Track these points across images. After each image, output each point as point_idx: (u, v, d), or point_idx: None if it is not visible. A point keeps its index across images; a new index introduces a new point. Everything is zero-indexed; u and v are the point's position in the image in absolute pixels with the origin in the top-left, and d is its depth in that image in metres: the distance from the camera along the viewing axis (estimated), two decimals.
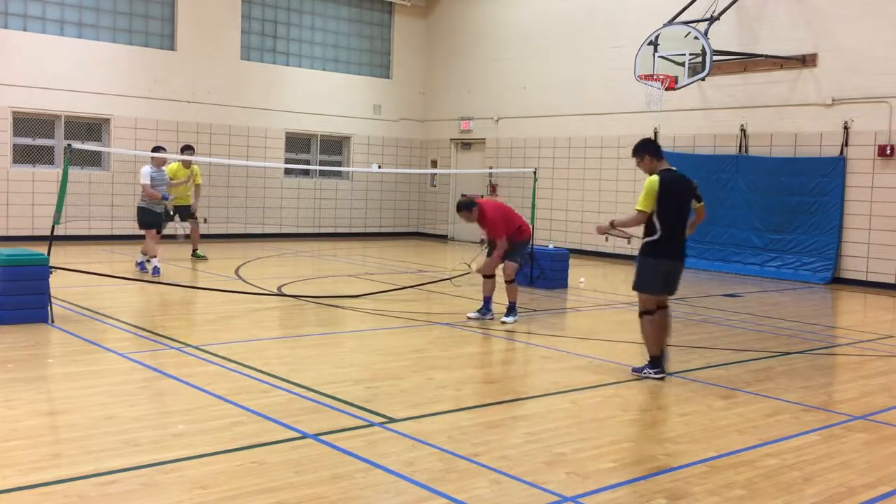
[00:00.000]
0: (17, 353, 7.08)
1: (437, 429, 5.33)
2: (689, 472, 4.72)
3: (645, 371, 7.00)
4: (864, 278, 14.26)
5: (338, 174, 21.07)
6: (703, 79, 14.57)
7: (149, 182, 12.34)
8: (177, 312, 9.92)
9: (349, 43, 21.09)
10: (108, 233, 16.94)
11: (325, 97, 20.34)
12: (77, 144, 13.05)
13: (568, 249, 14.23)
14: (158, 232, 12.55)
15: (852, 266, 14.43)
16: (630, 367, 7.37)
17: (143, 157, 13.49)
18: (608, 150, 18.04)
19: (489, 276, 9.51)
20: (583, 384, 6.72)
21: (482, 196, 20.14)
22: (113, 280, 11.22)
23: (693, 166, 16.10)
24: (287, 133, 19.93)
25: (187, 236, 14.62)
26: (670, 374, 7.15)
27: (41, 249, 8.89)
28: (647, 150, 7.01)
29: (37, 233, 15.84)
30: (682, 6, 15.21)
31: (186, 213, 14.33)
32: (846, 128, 14.48)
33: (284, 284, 11.84)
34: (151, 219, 12.44)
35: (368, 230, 21.42)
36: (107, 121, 17.45)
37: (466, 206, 9.41)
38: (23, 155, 16.73)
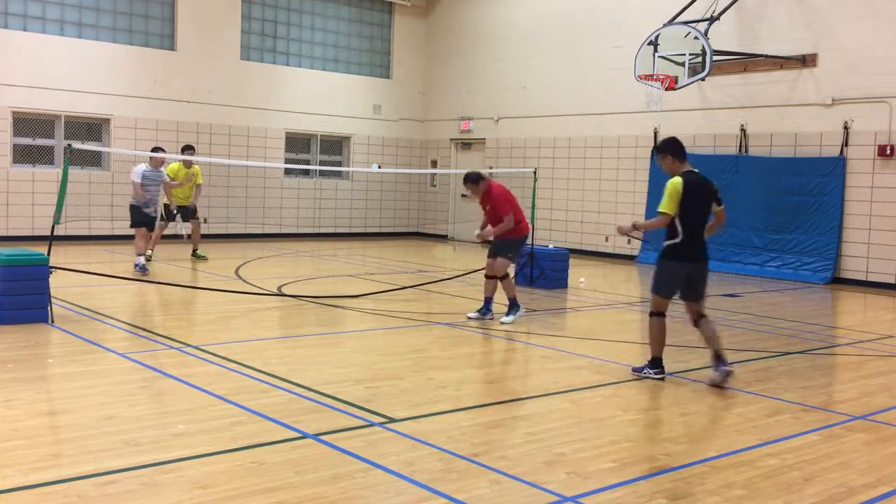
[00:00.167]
0: (17, 353, 7.08)
1: (437, 429, 5.33)
2: (689, 472, 4.72)
3: (645, 371, 6.97)
4: (864, 278, 14.26)
5: (338, 174, 21.07)
6: (703, 79, 14.57)
7: (139, 181, 12.46)
8: (177, 312, 9.92)
9: (349, 43, 21.09)
10: (109, 233, 16.93)
11: (325, 97, 20.34)
12: (77, 144, 13.06)
13: (568, 249, 14.23)
14: (150, 230, 12.67)
15: (852, 266, 14.43)
16: (630, 366, 7.37)
17: (143, 157, 13.50)
18: (608, 150, 18.04)
19: (490, 277, 9.48)
20: (583, 384, 6.72)
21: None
22: (113, 280, 11.22)
23: (693, 166, 16.10)
24: (287, 133, 19.93)
25: (189, 236, 14.64)
26: (670, 374, 7.15)
27: (41, 249, 8.88)
28: (670, 150, 6.89)
29: (37, 233, 15.84)
30: (682, 6, 15.21)
31: (188, 213, 14.35)
32: (846, 128, 14.48)
33: (284, 284, 11.84)
34: (140, 217, 12.55)
35: (368, 230, 21.42)
36: (107, 121, 17.45)
37: (474, 179, 9.32)
38: (23, 155, 16.73)
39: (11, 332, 7.80)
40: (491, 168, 19.35)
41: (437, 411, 5.74)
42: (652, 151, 17.19)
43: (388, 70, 21.84)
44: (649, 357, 7.02)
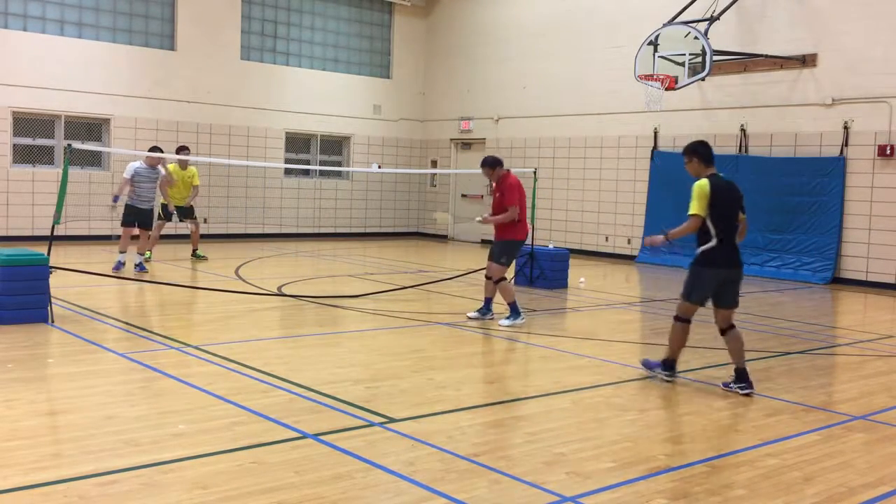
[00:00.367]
0: (17, 353, 7.08)
1: (437, 429, 5.33)
2: (689, 472, 4.72)
3: (656, 370, 6.87)
4: (864, 278, 14.26)
5: (338, 174, 21.08)
6: (703, 79, 14.57)
7: (128, 177, 12.59)
8: (177, 312, 9.92)
9: (349, 43, 21.09)
10: (109, 233, 16.92)
11: (325, 97, 20.34)
12: (77, 144, 13.04)
13: (568, 249, 14.23)
14: (147, 229, 12.81)
15: (852, 266, 14.43)
16: (630, 366, 7.37)
17: (143, 157, 13.51)
18: (608, 150, 18.04)
19: (490, 278, 9.44)
20: (583, 384, 6.72)
21: (482, 197, 20.17)
22: (113, 280, 11.23)
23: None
24: (287, 133, 19.93)
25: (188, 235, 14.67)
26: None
27: (41, 249, 8.88)
28: (697, 153, 6.70)
29: (37, 233, 15.84)
30: (682, 6, 15.21)
31: (185, 213, 14.36)
32: (846, 128, 14.48)
33: (284, 284, 11.84)
34: (130, 217, 12.66)
35: (368, 230, 21.43)
36: (107, 121, 17.46)
37: (490, 163, 9.32)
38: (23, 155, 16.73)
39: (11, 332, 7.80)
40: None
41: (437, 411, 5.74)
42: (652, 151, 17.21)
43: (388, 70, 21.85)
44: (663, 357, 6.90)
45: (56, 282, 8.93)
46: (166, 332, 8.17)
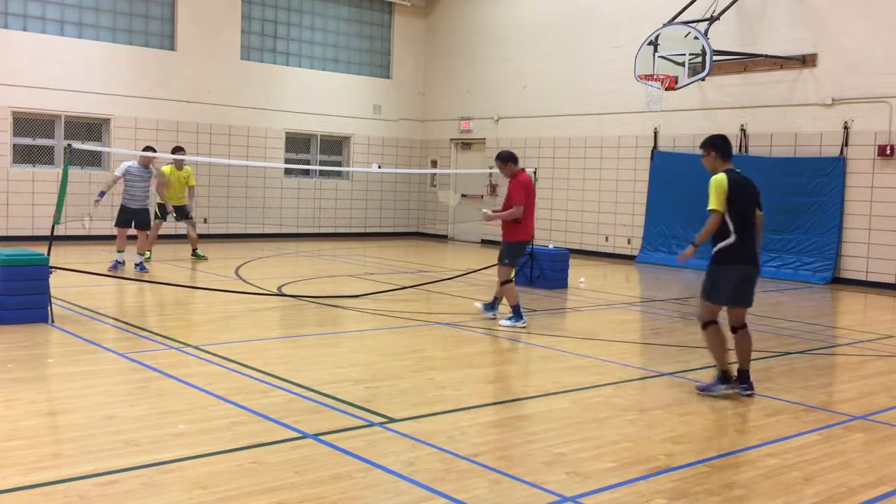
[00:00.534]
0: (17, 353, 7.08)
1: (437, 429, 5.33)
2: (689, 472, 4.71)
3: (715, 387, 6.44)
4: (864, 278, 14.26)
5: (338, 174, 21.08)
6: (703, 79, 14.57)
7: (119, 175, 12.69)
8: (177, 312, 9.92)
9: (349, 43, 21.09)
10: (108, 233, 16.91)
11: (325, 97, 20.34)
12: (77, 144, 13.04)
13: (568, 249, 14.23)
14: (144, 229, 12.89)
15: (852, 266, 14.43)
16: (630, 366, 7.37)
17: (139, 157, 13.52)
18: (608, 150, 18.04)
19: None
20: (583, 384, 6.72)
21: (482, 197, 20.17)
22: (113, 280, 11.24)
23: (693, 167, 16.10)
24: (287, 133, 19.93)
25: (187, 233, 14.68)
26: (670, 374, 7.16)
27: (41, 249, 8.89)
28: (715, 146, 6.56)
29: (37, 233, 15.84)
30: (682, 6, 15.21)
31: (182, 213, 14.35)
32: (846, 128, 14.48)
33: (284, 284, 11.84)
34: (123, 217, 12.75)
35: (368, 230, 21.42)
36: (107, 121, 17.46)
37: (504, 158, 9.32)
38: (23, 155, 16.73)
39: (11, 332, 7.80)
40: (491, 168, 19.33)
41: (437, 411, 5.74)
42: (652, 151, 17.21)
43: (388, 70, 21.84)
44: (717, 373, 6.51)
45: (56, 282, 8.93)
46: (166, 332, 8.17)
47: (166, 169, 13.95)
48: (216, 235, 18.01)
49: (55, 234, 9.40)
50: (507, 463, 4.75)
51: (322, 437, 5.03)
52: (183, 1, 18.21)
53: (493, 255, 15.81)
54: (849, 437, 5.54)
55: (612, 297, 12.29)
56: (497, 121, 20.34)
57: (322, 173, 20.66)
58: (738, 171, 6.52)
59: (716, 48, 14.17)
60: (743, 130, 15.77)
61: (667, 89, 14.63)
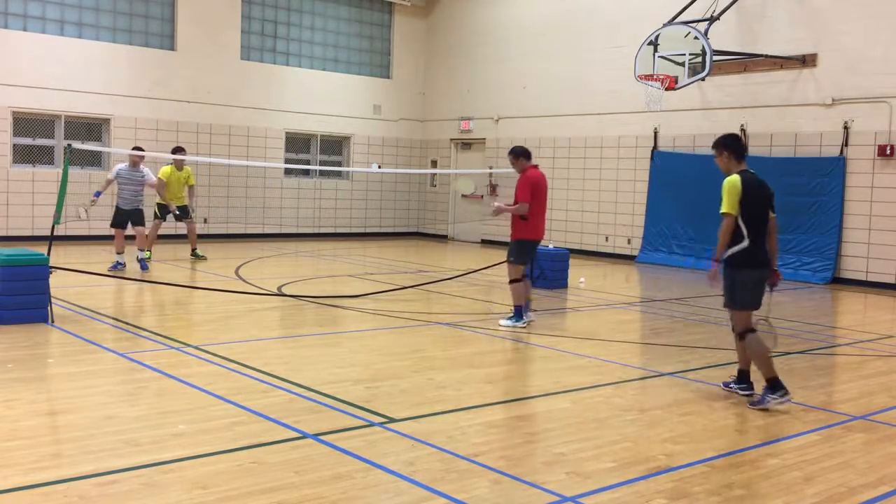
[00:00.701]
0: (17, 353, 7.08)
1: (437, 429, 5.33)
2: (689, 472, 4.71)
3: (767, 399, 6.10)
4: (864, 278, 14.26)
5: (338, 174, 21.08)
6: (703, 79, 14.57)
7: (111, 177, 12.72)
8: (177, 312, 9.92)
9: (349, 43, 21.09)
10: (108, 233, 16.91)
11: (325, 97, 20.34)
12: (77, 144, 13.07)
13: (568, 249, 14.23)
14: (140, 225, 12.89)
15: (852, 266, 14.43)
16: (630, 366, 7.37)
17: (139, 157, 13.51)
18: (608, 150, 18.04)
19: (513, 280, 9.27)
20: (583, 384, 6.72)
21: (482, 197, 20.17)
22: (113, 280, 11.24)
23: (693, 166, 16.12)
24: (287, 133, 19.93)
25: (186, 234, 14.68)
26: (670, 374, 7.15)
27: (41, 249, 8.89)
28: (728, 146, 6.39)
29: (37, 233, 15.84)
30: (682, 6, 15.21)
31: (182, 212, 14.33)
32: (846, 128, 14.48)
33: (284, 284, 11.84)
34: (117, 218, 12.77)
35: (368, 230, 21.42)
36: (107, 121, 17.46)
37: (516, 153, 9.25)
38: (23, 155, 16.73)
39: (11, 332, 7.80)
40: (491, 168, 19.36)
41: (437, 411, 5.74)
42: (652, 151, 17.21)
43: (388, 70, 21.84)
44: (765, 383, 6.21)
45: (56, 282, 8.92)
46: (166, 332, 8.17)
47: (165, 170, 13.94)
48: (216, 235, 18.01)
49: (55, 234, 9.41)
50: (507, 463, 4.75)
51: (322, 437, 5.03)
52: (183, 1, 18.21)
53: (493, 255, 15.84)
54: (849, 437, 5.54)
55: (612, 297, 12.29)
56: (497, 121, 20.34)
57: (322, 173, 20.66)
58: (752, 171, 6.39)
59: (716, 48, 14.17)
60: (743, 130, 15.76)
61: (667, 89, 14.63)
